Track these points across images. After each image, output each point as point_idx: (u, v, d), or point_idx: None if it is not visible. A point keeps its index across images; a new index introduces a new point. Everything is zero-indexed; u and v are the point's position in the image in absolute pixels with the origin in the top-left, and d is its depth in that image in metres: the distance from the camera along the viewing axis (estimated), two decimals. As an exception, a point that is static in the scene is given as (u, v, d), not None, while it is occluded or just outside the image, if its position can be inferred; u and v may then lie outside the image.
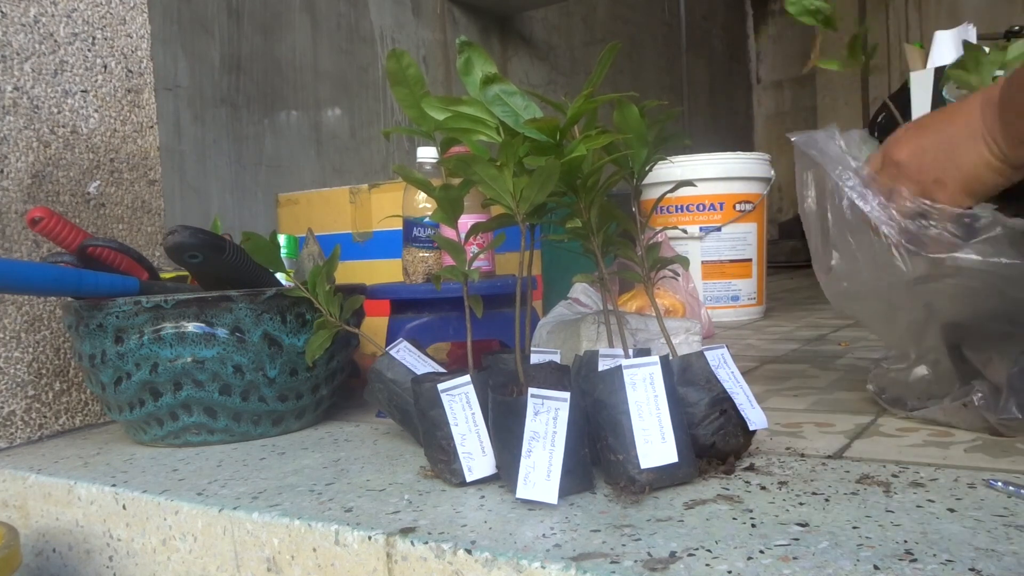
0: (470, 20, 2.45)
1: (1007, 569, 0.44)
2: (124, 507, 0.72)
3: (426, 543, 0.54)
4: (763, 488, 0.61)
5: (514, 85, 0.62)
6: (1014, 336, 0.69)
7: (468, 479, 0.64)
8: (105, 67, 1.07)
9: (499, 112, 0.61)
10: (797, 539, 0.50)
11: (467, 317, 0.70)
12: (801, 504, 0.57)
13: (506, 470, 0.62)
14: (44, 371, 0.97)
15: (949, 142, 0.65)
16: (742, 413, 0.65)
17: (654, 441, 0.60)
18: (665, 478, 0.60)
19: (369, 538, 0.57)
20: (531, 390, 0.60)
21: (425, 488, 0.66)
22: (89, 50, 1.05)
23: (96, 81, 1.05)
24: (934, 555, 0.47)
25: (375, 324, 1.11)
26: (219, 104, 1.69)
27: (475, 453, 0.65)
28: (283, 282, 0.92)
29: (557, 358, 0.73)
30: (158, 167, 1.14)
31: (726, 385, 0.65)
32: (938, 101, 0.90)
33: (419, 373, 0.74)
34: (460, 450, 0.64)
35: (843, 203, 0.72)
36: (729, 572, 0.46)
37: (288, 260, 1.07)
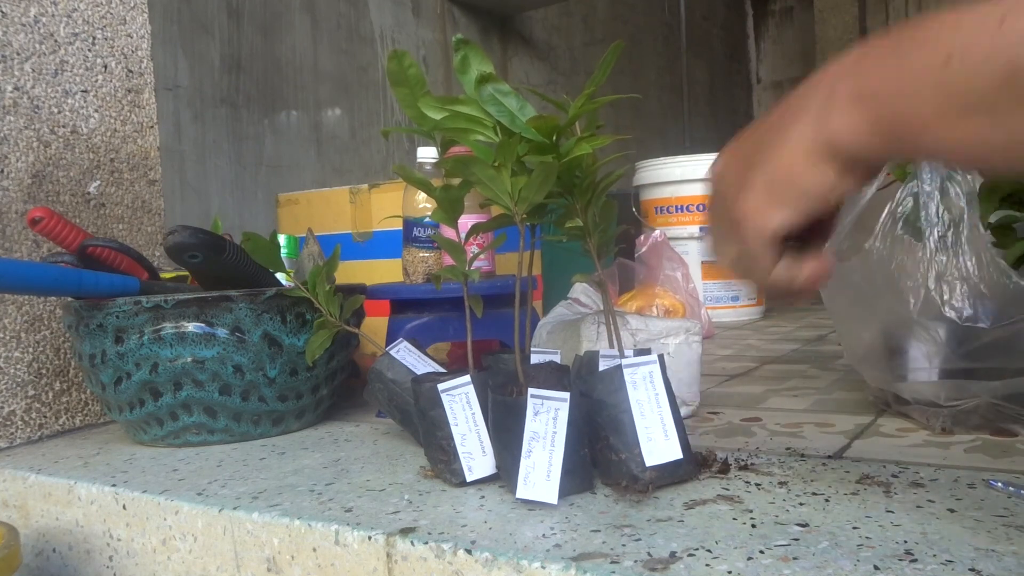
0: (470, 20, 2.45)
1: (1007, 569, 0.44)
2: (124, 507, 0.72)
3: (426, 543, 0.54)
4: (763, 488, 0.61)
5: (509, 85, 0.62)
6: None
7: (468, 479, 0.64)
8: (105, 67, 1.07)
9: (494, 112, 0.61)
10: (797, 539, 0.50)
11: (467, 317, 0.70)
12: (801, 504, 0.57)
13: (506, 470, 0.62)
14: (44, 371, 0.97)
15: (762, 134, 0.46)
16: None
17: (657, 439, 0.60)
18: (667, 476, 0.60)
19: (369, 538, 0.57)
20: (531, 390, 0.60)
21: (425, 488, 0.66)
22: (89, 50, 1.05)
23: (96, 81, 1.05)
24: (934, 555, 0.47)
25: (375, 324, 1.11)
26: (219, 104, 1.69)
27: (475, 453, 0.65)
28: (283, 282, 0.92)
29: (557, 358, 0.73)
30: (158, 167, 1.14)
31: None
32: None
33: (419, 373, 0.74)
34: (460, 450, 0.64)
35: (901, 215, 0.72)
36: (729, 572, 0.46)
37: (288, 260, 1.07)
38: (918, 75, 0.38)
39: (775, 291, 0.49)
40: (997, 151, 0.37)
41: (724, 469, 0.65)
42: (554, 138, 0.61)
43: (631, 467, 0.59)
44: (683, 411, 0.85)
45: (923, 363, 0.75)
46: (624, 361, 0.61)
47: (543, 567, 0.49)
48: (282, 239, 1.06)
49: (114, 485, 0.74)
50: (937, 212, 0.72)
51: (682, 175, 1.80)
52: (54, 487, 0.78)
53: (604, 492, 0.62)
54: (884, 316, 0.77)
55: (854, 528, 0.52)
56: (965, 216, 0.71)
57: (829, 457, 0.69)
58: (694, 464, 0.63)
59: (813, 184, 0.43)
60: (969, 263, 0.70)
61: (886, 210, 0.77)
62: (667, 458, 0.59)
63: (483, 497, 0.63)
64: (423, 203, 1.00)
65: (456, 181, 0.67)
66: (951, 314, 0.70)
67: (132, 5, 1.10)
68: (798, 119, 0.43)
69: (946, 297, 0.71)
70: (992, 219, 0.80)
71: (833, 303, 0.84)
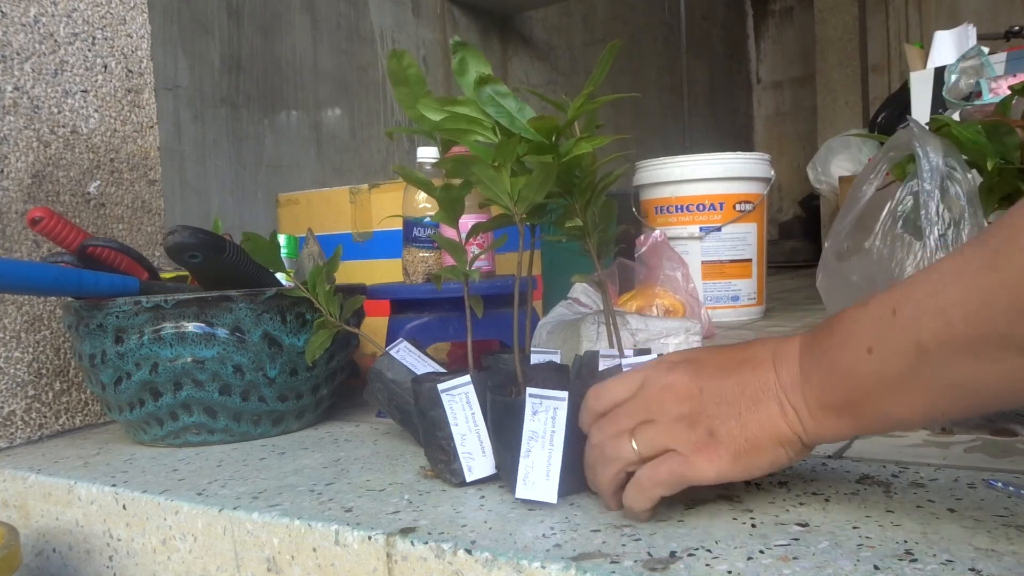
0: (470, 20, 2.45)
1: (1007, 569, 0.44)
2: (124, 507, 0.72)
3: (426, 543, 0.54)
4: (763, 488, 0.61)
5: (509, 85, 0.62)
6: None
7: (468, 479, 0.64)
8: (105, 67, 1.07)
9: (493, 112, 0.61)
10: (797, 539, 0.50)
11: (467, 317, 0.70)
12: (801, 504, 0.57)
13: (505, 470, 0.62)
14: (44, 371, 0.97)
15: (739, 388, 0.51)
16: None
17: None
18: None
19: (369, 538, 0.57)
20: (529, 390, 0.60)
21: (425, 488, 0.66)
22: (89, 50, 1.05)
23: (96, 81, 1.05)
24: (934, 555, 0.47)
25: (375, 324, 1.11)
26: (219, 104, 1.69)
27: (475, 453, 0.65)
28: (283, 282, 0.92)
29: (557, 358, 0.73)
30: (158, 167, 1.14)
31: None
32: (937, 101, 0.90)
33: (419, 373, 0.74)
34: (460, 450, 0.64)
35: (900, 214, 0.72)
36: (729, 572, 0.46)
37: (288, 260, 1.07)
38: (852, 370, 0.46)
39: (607, 495, 0.57)
40: (945, 407, 0.45)
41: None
42: (554, 138, 0.61)
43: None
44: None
45: None
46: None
47: (543, 567, 0.49)
48: (282, 239, 1.06)
49: (114, 485, 0.74)
50: (937, 211, 0.72)
51: (682, 175, 1.80)
52: (54, 487, 0.78)
53: (604, 492, 0.62)
54: None
55: (854, 528, 0.52)
56: (966, 215, 0.71)
57: (829, 457, 0.69)
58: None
59: (777, 462, 0.51)
60: None
61: (886, 209, 0.76)
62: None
63: (483, 497, 0.63)
64: (423, 203, 1.00)
65: (456, 181, 0.67)
66: None
67: (132, 5, 1.10)
68: (766, 406, 0.50)
69: None
70: (991, 218, 0.80)
71: (833, 302, 0.84)
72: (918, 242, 0.73)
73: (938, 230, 0.71)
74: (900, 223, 0.74)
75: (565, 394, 0.59)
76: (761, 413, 0.50)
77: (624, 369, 0.61)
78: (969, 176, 0.72)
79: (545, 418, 0.59)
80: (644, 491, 0.53)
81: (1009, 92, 0.85)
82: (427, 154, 1.05)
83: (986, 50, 1.72)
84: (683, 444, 0.51)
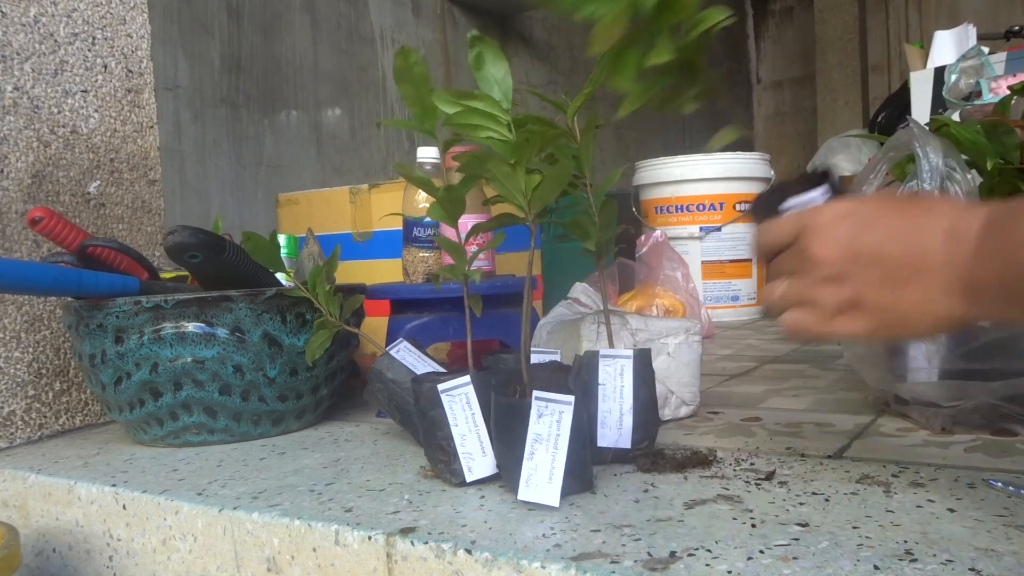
0: (470, 20, 2.45)
1: (1007, 569, 0.44)
2: (124, 507, 0.72)
3: (426, 543, 0.54)
4: (763, 488, 0.61)
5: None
6: None
7: (468, 479, 0.64)
8: (105, 67, 1.07)
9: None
10: (797, 539, 0.50)
11: (467, 317, 0.70)
12: (801, 504, 0.57)
13: (507, 471, 0.62)
14: (44, 371, 0.97)
15: (902, 258, 0.48)
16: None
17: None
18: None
19: (369, 538, 0.57)
20: (535, 393, 0.60)
21: (425, 488, 0.66)
22: (89, 50, 1.05)
23: (96, 81, 1.05)
24: (934, 555, 0.47)
25: (375, 324, 1.11)
26: (219, 104, 1.69)
27: (475, 453, 0.65)
28: (283, 282, 0.92)
29: (557, 358, 0.73)
30: (158, 167, 1.14)
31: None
32: (937, 101, 0.90)
33: (419, 373, 0.74)
34: (460, 450, 0.64)
35: None
36: (729, 572, 0.46)
37: (288, 260, 1.07)
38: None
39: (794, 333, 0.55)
40: None
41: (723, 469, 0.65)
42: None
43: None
44: (683, 411, 0.86)
45: (923, 363, 0.75)
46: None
47: (543, 567, 0.49)
48: (282, 239, 1.06)
49: (114, 485, 0.74)
50: None
51: (682, 175, 1.80)
52: (54, 487, 0.78)
53: (604, 492, 0.62)
54: None
55: (854, 528, 0.52)
56: None
57: (829, 457, 0.69)
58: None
59: (923, 336, 0.52)
60: None
61: None
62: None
63: (483, 497, 0.63)
64: (423, 203, 1.00)
65: (458, 180, 0.66)
66: None
67: (132, 5, 1.10)
68: (928, 283, 0.48)
69: None
70: None
71: None
72: None
73: None
74: None
75: (571, 398, 0.59)
76: (920, 288, 0.47)
77: (797, 205, 0.57)
78: (969, 176, 0.72)
79: (550, 421, 0.59)
80: (785, 330, 0.54)
81: (1009, 92, 0.85)
82: (427, 154, 1.05)
83: (986, 50, 1.72)
84: (826, 305, 0.51)
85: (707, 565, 0.47)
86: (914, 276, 0.48)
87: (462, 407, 0.65)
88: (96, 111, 1.05)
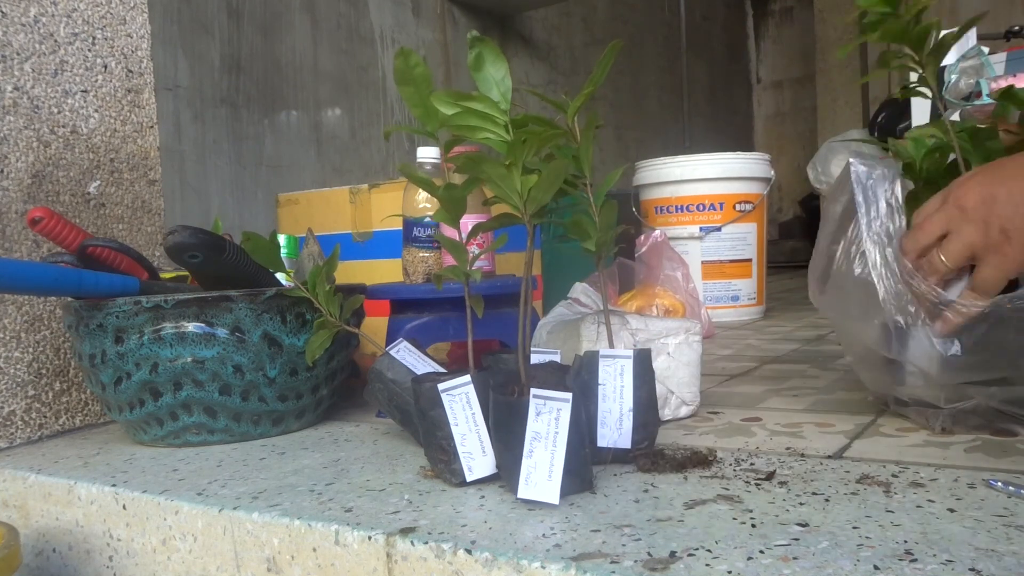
0: (470, 20, 2.45)
1: (1007, 569, 0.44)
2: (124, 507, 0.72)
3: (426, 543, 0.54)
4: (763, 488, 0.61)
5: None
6: None
7: (468, 479, 0.64)
8: (105, 67, 1.07)
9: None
10: (797, 539, 0.50)
11: (468, 317, 0.70)
12: (801, 504, 0.57)
13: (507, 470, 0.62)
14: (44, 371, 0.97)
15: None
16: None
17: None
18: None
19: (369, 538, 0.57)
20: (533, 391, 0.60)
21: (425, 488, 0.66)
22: (89, 50, 1.05)
23: (96, 81, 1.05)
24: (934, 555, 0.47)
25: (375, 324, 1.11)
26: (219, 104, 1.69)
27: (475, 453, 0.65)
28: (283, 282, 0.92)
29: (557, 358, 0.73)
30: (158, 167, 1.14)
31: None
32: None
33: (419, 373, 0.74)
34: (460, 450, 0.64)
35: (855, 254, 0.71)
36: (729, 572, 0.46)
37: (288, 260, 1.07)
38: None
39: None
40: None
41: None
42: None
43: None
44: (683, 411, 0.86)
45: (919, 378, 0.74)
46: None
47: (543, 567, 0.49)
48: (282, 239, 1.06)
49: (114, 485, 0.74)
50: (883, 259, 0.70)
51: (682, 175, 1.80)
52: (54, 487, 0.78)
53: (604, 492, 0.62)
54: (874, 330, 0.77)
55: (854, 528, 0.52)
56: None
57: (829, 457, 0.69)
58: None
59: None
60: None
61: (840, 248, 0.75)
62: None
63: (483, 497, 0.63)
64: (423, 203, 1.00)
65: (460, 180, 0.66)
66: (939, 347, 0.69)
67: (132, 5, 1.10)
68: None
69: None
70: None
71: (831, 308, 0.84)
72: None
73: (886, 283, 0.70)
74: (856, 265, 0.73)
75: (569, 395, 0.59)
76: None
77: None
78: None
79: (548, 419, 0.59)
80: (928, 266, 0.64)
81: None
82: (427, 154, 1.05)
83: (986, 50, 1.72)
84: (980, 248, 0.58)
85: (707, 565, 0.47)
86: None
87: (462, 407, 0.65)
88: (96, 111, 1.05)
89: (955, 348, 0.67)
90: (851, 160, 0.71)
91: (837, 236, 0.74)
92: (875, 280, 0.68)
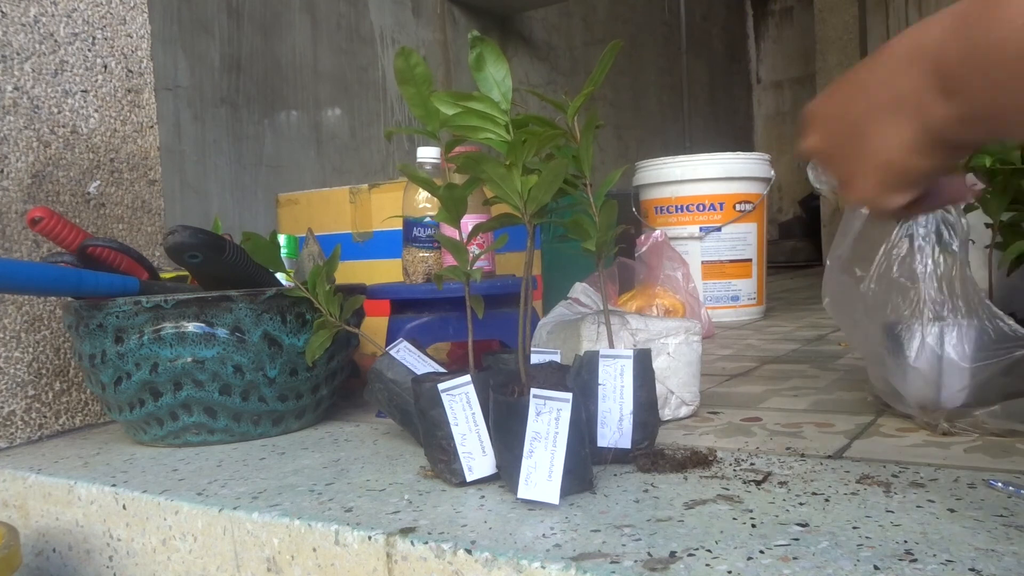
0: (470, 20, 2.45)
1: (1007, 569, 0.44)
2: (124, 507, 0.72)
3: (426, 543, 0.54)
4: (763, 488, 0.61)
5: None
6: None
7: (468, 479, 0.64)
8: (105, 67, 1.07)
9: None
10: (797, 539, 0.50)
11: (468, 317, 0.70)
12: (801, 504, 0.57)
13: (507, 470, 0.62)
14: (44, 371, 0.97)
15: (861, 117, 0.48)
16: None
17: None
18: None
19: (369, 538, 0.57)
20: (533, 391, 0.60)
21: (425, 488, 0.66)
22: (89, 50, 1.05)
23: (96, 81, 1.05)
24: (934, 555, 0.47)
25: (375, 324, 1.11)
26: (219, 104, 1.70)
27: (475, 453, 0.65)
28: (283, 282, 0.92)
29: (557, 358, 0.73)
30: (158, 167, 1.14)
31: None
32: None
33: (419, 373, 0.74)
34: (460, 450, 0.64)
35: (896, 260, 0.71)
36: (729, 572, 0.46)
37: (288, 260, 1.07)
38: (1004, 70, 0.39)
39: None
40: None
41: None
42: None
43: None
44: (683, 411, 0.86)
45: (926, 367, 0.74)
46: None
47: (543, 567, 0.49)
48: (282, 239, 1.06)
49: (114, 485, 0.74)
50: (933, 257, 0.71)
51: (682, 175, 1.80)
52: (54, 487, 0.78)
53: (604, 492, 0.62)
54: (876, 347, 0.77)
55: (854, 528, 0.52)
56: (956, 263, 0.71)
57: (829, 457, 0.69)
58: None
59: (922, 172, 0.47)
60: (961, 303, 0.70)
61: (881, 250, 0.75)
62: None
63: (483, 497, 0.63)
64: (423, 203, 1.00)
65: (460, 180, 0.66)
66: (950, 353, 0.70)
67: (132, 5, 1.10)
68: (896, 112, 0.46)
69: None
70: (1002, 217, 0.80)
71: (843, 319, 0.84)
72: (912, 287, 0.72)
73: (934, 278, 0.71)
74: (896, 268, 0.73)
75: (569, 395, 0.59)
76: (892, 133, 0.46)
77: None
78: (964, 220, 0.72)
79: (548, 419, 0.59)
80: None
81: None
82: (427, 154, 1.05)
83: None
84: (838, 180, 0.52)
85: (707, 565, 0.47)
86: (880, 119, 0.47)
87: (462, 407, 0.65)
88: (96, 111, 1.05)
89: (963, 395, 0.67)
90: None
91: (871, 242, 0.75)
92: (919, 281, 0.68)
